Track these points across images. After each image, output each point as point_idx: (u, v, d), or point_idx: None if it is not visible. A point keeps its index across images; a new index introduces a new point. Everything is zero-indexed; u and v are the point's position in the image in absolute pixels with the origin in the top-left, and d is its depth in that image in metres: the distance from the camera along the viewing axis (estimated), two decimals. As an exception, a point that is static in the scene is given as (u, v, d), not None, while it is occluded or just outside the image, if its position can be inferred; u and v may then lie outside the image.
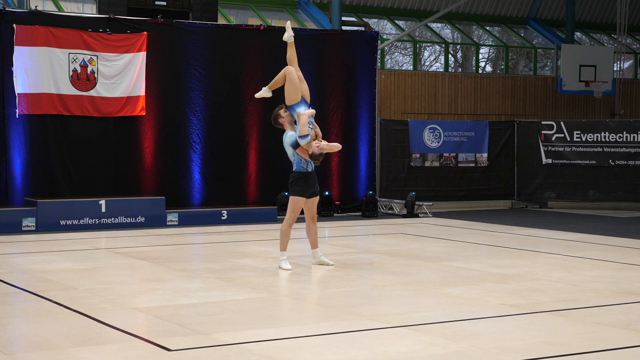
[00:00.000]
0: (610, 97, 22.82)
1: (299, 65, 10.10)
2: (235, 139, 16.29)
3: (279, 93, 18.24)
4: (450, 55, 26.20)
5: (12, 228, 13.79)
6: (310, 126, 9.55)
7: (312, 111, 9.68)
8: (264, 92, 10.12)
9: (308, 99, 9.84)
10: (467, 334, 6.49)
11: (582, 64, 21.97)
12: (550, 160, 19.18)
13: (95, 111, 15.14)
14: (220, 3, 18.61)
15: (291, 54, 9.94)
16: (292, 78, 9.72)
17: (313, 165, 9.71)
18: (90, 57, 15.03)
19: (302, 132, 9.46)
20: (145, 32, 15.41)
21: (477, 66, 23.99)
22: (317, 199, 9.86)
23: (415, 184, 18.49)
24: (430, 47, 26.88)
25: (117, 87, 15.25)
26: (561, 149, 19.08)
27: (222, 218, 15.40)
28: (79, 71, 14.94)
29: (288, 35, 9.97)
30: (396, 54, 26.10)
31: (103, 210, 14.47)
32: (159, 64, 15.68)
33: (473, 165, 19.21)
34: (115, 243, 12.51)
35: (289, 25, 10.16)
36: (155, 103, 15.68)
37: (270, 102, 16.63)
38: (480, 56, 26.47)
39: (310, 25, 21.23)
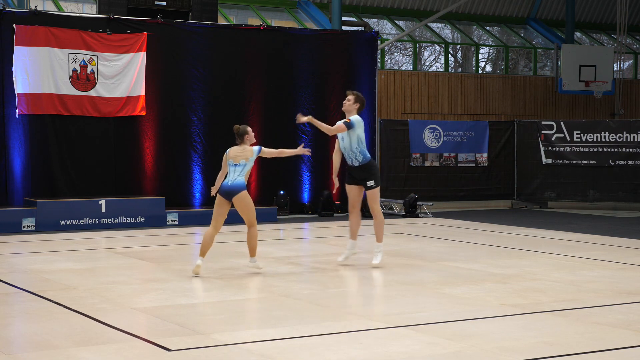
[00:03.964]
0: (610, 97, 22.82)
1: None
2: (236, 138, 16.24)
3: (278, 96, 18.13)
4: (450, 55, 26.19)
5: (12, 228, 13.79)
6: None
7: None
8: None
9: None
10: (467, 334, 6.49)
11: (582, 64, 21.97)
12: (550, 160, 19.18)
13: (95, 111, 15.14)
14: (220, 3, 18.61)
15: None
16: None
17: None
18: (90, 57, 15.02)
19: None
20: (145, 32, 15.40)
21: (477, 66, 23.99)
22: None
23: (415, 184, 18.48)
24: (430, 47, 26.88)
25: (117, 87, 15.25)
26: (561, 149, 19.07)
27: (222, 218, 15.37)
28: (78, 71, 14.94)
29: None
30: (396, 54, 26.10)
31: (103, 210, 14.47)
32: (159, 64, 15.67)
33: (473, 165, 19.20)
34: (115, 243, 12.50)
35: None
36: (156, 103, 15.67)
37: (270, 102, 16.68)
38: (480, 56, 26.47)
39: (310, 25, 21.22)
